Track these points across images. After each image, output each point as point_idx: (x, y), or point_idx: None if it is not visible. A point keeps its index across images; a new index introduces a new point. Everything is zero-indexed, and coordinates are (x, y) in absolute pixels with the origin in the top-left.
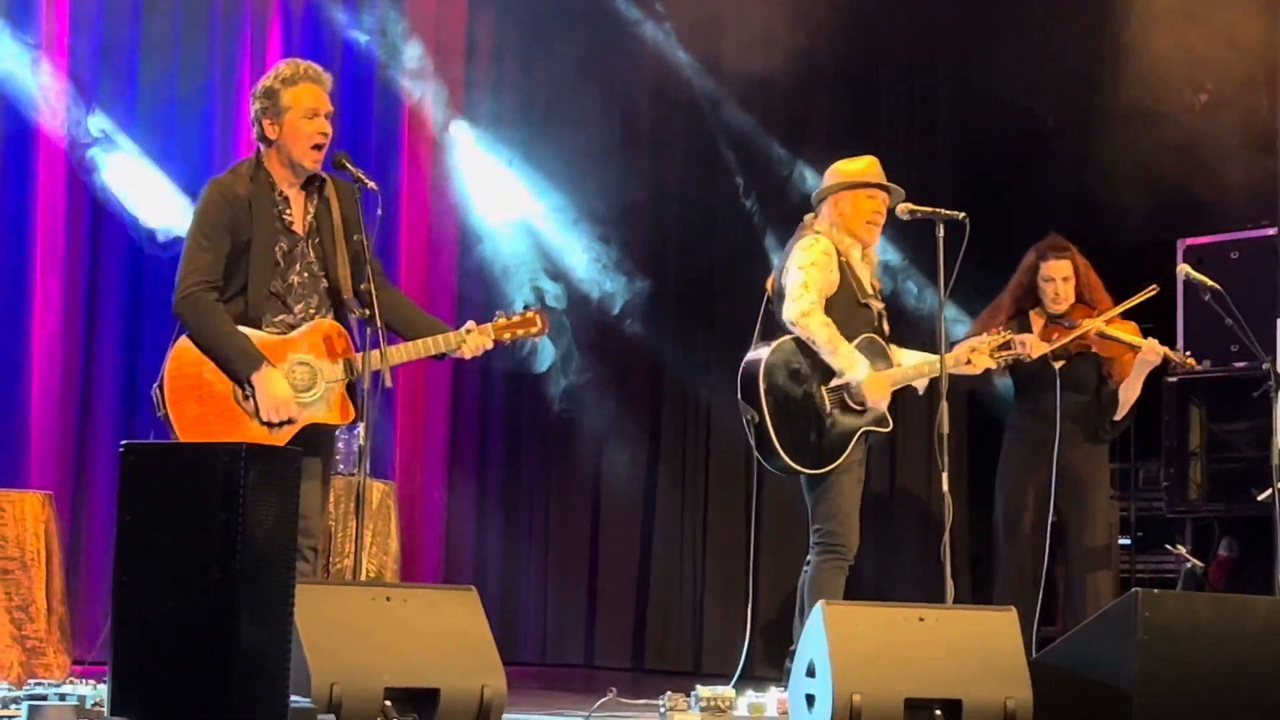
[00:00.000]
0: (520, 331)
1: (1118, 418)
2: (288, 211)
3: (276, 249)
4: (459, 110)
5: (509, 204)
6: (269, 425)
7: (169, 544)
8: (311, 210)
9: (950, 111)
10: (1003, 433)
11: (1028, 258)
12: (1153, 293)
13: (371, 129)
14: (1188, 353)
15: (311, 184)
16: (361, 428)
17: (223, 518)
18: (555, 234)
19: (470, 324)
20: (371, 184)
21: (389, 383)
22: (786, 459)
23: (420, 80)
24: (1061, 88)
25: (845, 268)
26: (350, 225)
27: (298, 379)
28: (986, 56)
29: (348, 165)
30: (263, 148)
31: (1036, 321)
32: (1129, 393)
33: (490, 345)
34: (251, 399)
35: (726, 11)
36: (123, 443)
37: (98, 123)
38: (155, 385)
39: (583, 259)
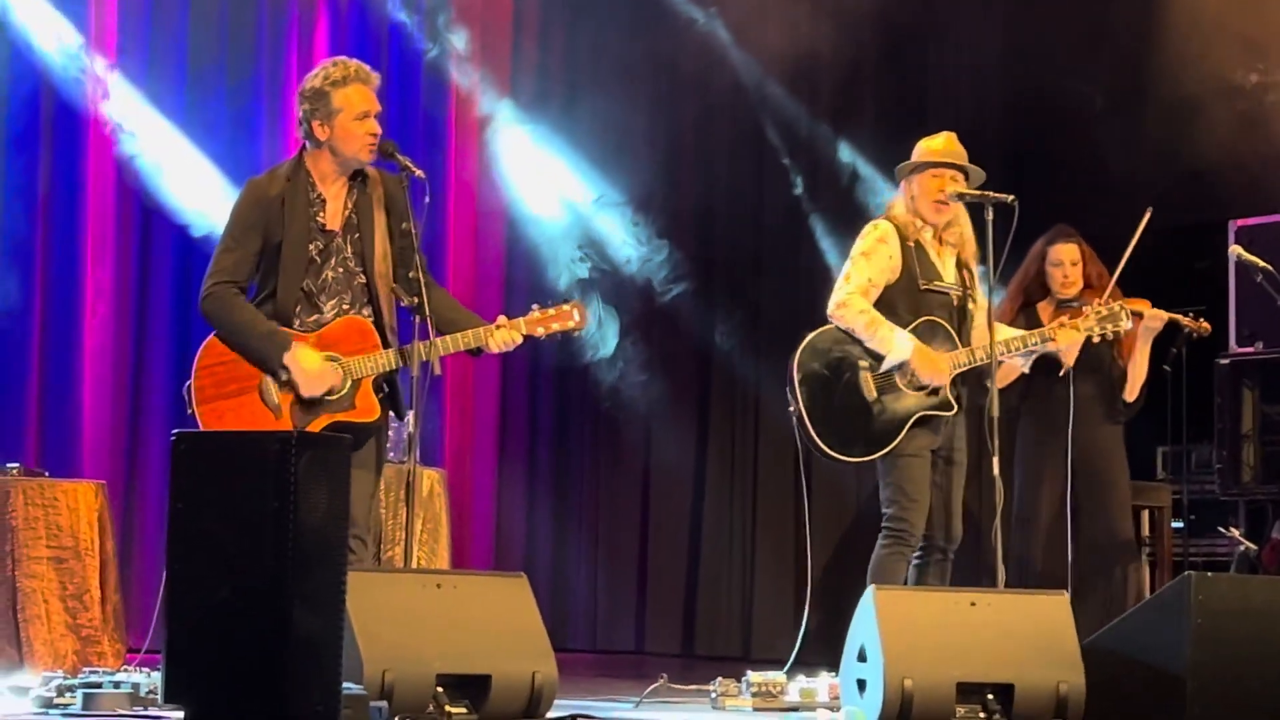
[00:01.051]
0: (557, 325)
1: (1129, 398)
2: (322, 213)
3: (311, 247)
4: (506, 95)
5: (556, 188)
6: (311, 402)
7: (221, 532)
8: (351, 205)
9: (999, 93)
10: None
11: (1034, 248)
12: (1148, 216)
13: (419, 115)
14: (1200, 318)
15: (354, 178)
16: (411, 416)
17: (275, 506)
18: (602, 218)
19: (501, 318)
20: (419, 171)
21: (438, 370)
22: (825, 447)
23: (467, 65)
24: (1111, 68)
25: (910, 250)
26: (398, 215)
27: None
28: (1036, 38)
29: (395, 154)
30: (309, 146)
31: (1045, 310)
32: (1136, 369)
33: (519, 340)
34: (276, 394)
35: None
36: (174, 431)
37: (146, 114)
38: (186, 384)
39: (630, 243)
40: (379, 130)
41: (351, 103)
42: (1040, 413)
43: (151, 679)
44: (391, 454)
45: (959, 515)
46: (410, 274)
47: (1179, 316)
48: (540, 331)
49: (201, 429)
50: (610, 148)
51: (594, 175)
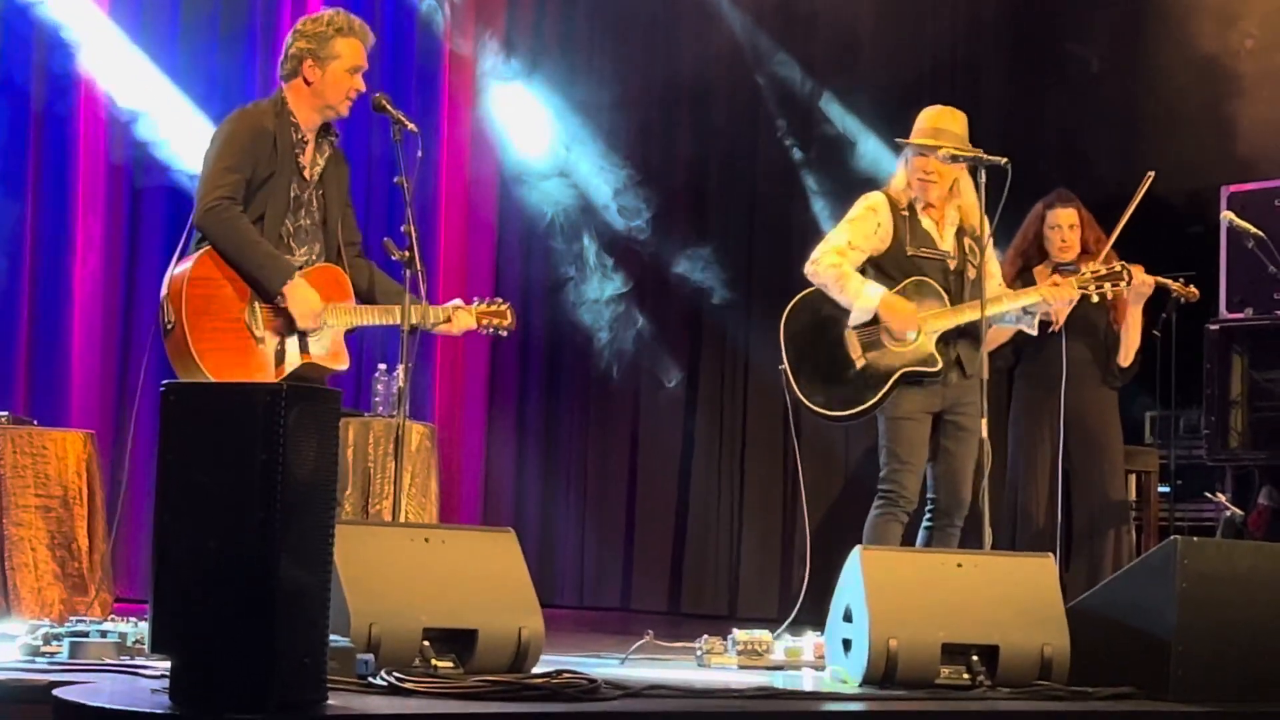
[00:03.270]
0: (497, 321)
1: (1123, 363)
2: (303, 156)
3: (291, 189)
4: (501, 51)
5: (549, 149)
6: (305, 334)
7: (209, 484)
8: (322, 161)
9: (995, 58)
10: None
11: (1034, 211)
12: (1149, 180)
13: (412, 70)
14: (1188, 283)
15: (324, 134)
16: (401, 370)
17: (263, 457)
18: (595, 179)
19: (458, 301)
20: (412, 125)
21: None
22: (810, 404)
23: (462, 21)
24: (1107, 32)
25: (902, 220)
26: (345, 191)
27: None
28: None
29: (388, 107)
30: (288, 85)
31: (1042, 274)
32: (1129, 333)
33: (474, 325)
34: (261, 323)
35: None
36: (164, 383)
37: (139, 64)
38: (164, 296)
39: (623, 205)
40: (364, 88)
41: (352, 53)
42: (1034, 375)
43: (139, 629)
44: (380, 408)
45: (968, 483)
46: (403, 227)
47: (1168, 281)
48: (484, 323)
49: (189, 342)
50: (605, 108)
51: (588, 136)
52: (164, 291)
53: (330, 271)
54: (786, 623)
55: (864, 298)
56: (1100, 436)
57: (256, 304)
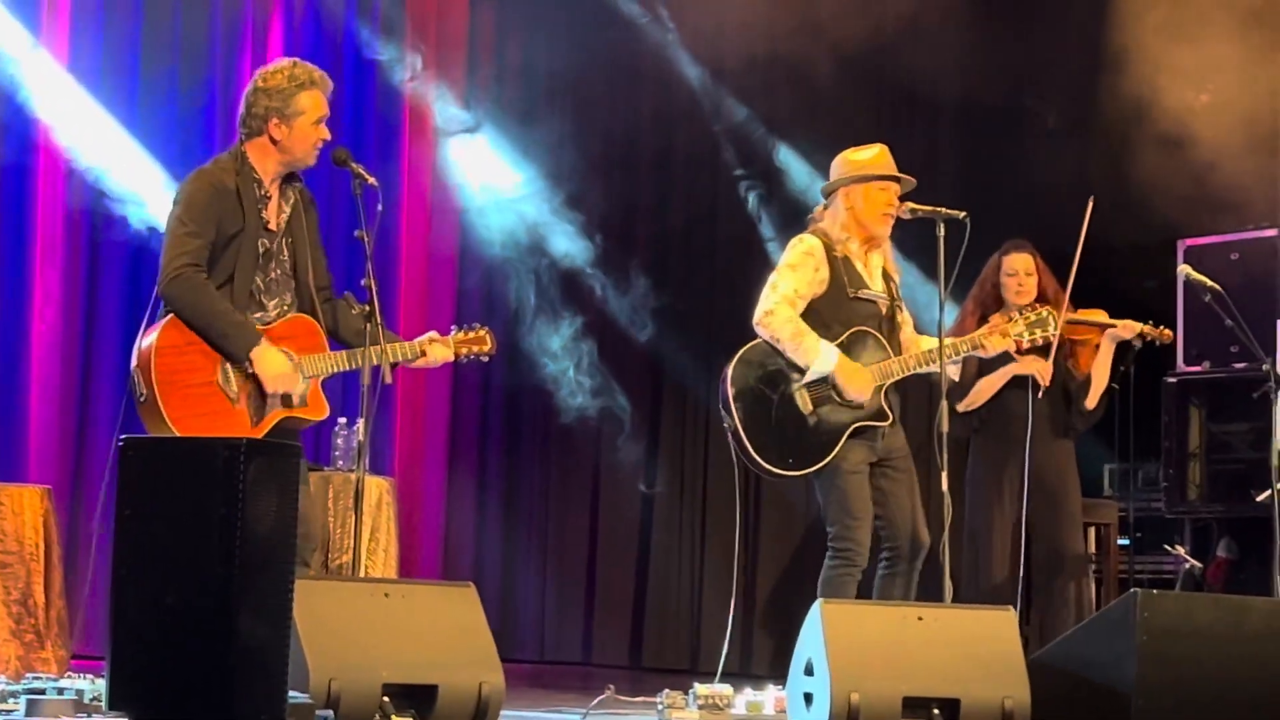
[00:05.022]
0: (476, 348)
1: (1090, 406)
2: (266, 209)
3: (259, 244)
4: (461, 101)
5: (509, 200)
6: (273, 398)
7: (168, 539)
8: (287, 210)
9: (951, 109)
10: None
11: (990, 261)
12: (1091, 205)
13: (372, 121)
14: (1162, 326)
15: (287, 182)
16: (361, 424)
17: (222, 513)
18: (555, 231)
19: (433, 333)
20: (372, 180)
21: (389, 379)
22: (764, 463)
23: (422, 72)
24: (1061, 87)
25: (838, 262)
26: (315, 233)
27: None
28: (987, 56)
29: (349, 162)
30: (251, 143)
31: (999, 322)
32: (1098, 376)
33: (452, 357)
34: (235, 383)
35: (728, 8)
36: (121, 437)
37: (98, 117)
38: (135, 367)
39: (583, 256)
40: (329, 136)
41: (316, 106)
42: (993, 428)
43: (96, 685)
44: (340, 462)
45: (922, 521)
46: (363, 281)
47: (1145, 327)
48: (463, 352)
49: (163, 413)
50: (563, 159)
51: (548, 187)
52: (133, 363)
53: (301, 322)
54: (717, 675)
55: (821, 359)
56: (1058, 489)
57: (227, 366)
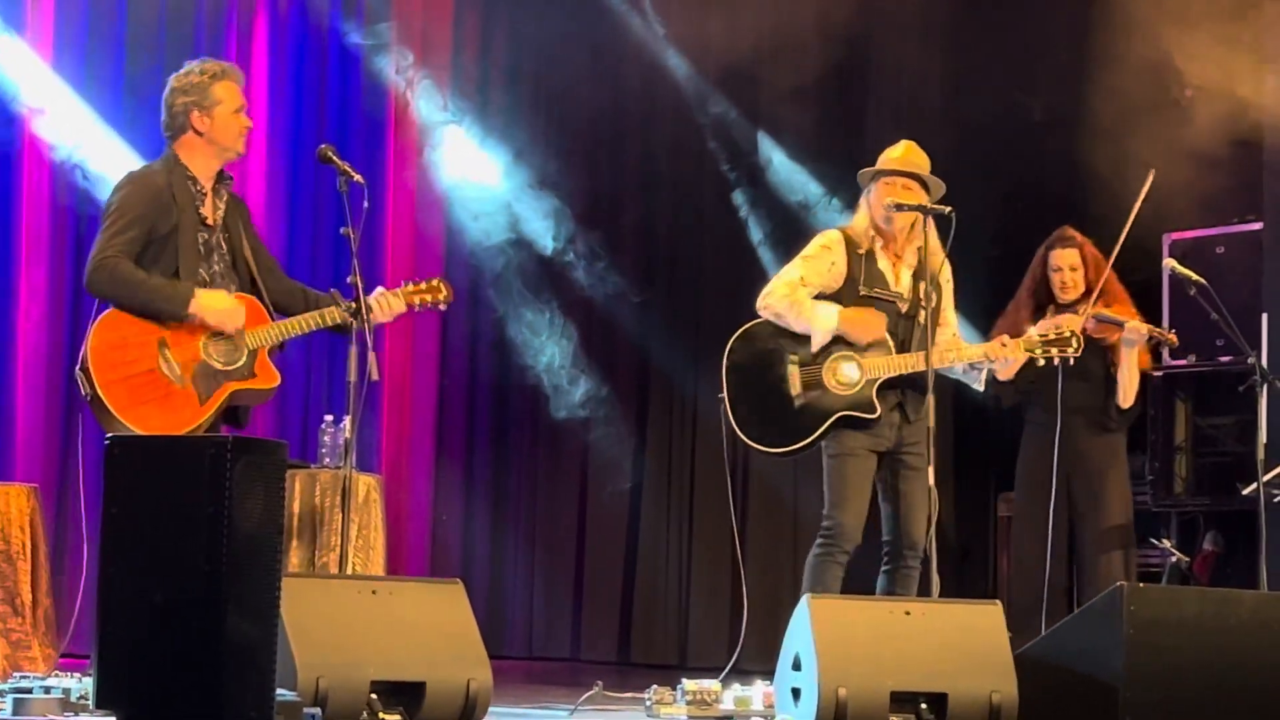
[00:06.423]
0: (429, 298)
1: (1123, 404)
2: (203, 206)
3: (199, 239)
4: (446, 101)
5: (495, 196)
6: (211, 373)
7: (155, 537)
8: (222, 205)
9: (939, 105)
10: (986, 426)
11: (1037, 254)
12: (1150, 179)
13: (358, 118)
14: (1171, 329)
15: (219, 181)
16: (348, 421)
17: (209, 510)
18: (542, 228)
19: (379, 289)
20: (358, 176)
21: (375, 375)
22: (744, 436)
23: (407, 69)
24: (1049, 82)
25: (857, 259)
26: (251, 232)
27: (219, 353)
28: (975, 51)
29: (334, 158)
30: (178, 142)
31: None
32: (1125, 377)
33: (403, 309)
34: (177, 366)
35: (714, 5)
36: (108, 436)
37: (83, 115)
38: (78, 368)
39: (570, 252)
40: (251, 124)
41: (232, 95)
42: (1037, 420)
43: (83, 684)
44: (327, 459)
45: (920, 522)
46: (349, 279)
47: (1155, 330)
48: (416, 302)
49: (108, 406)
50: (551, 155)
51: (534, 183)
52: (78, 365)
53: (243, 300)
54: (724, 672)
55: (821, 319)
56: (1100, 482)
57: (166, 350)
